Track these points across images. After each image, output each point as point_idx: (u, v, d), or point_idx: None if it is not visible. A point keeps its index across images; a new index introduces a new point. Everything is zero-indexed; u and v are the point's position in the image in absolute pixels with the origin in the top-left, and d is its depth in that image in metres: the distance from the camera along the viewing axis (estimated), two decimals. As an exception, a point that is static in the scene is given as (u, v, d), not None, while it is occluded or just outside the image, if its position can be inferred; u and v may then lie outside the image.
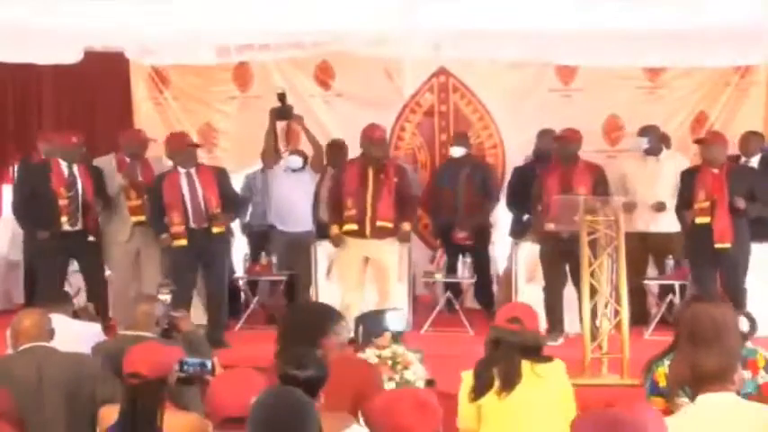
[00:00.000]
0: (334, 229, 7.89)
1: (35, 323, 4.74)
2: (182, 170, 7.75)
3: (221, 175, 7.93)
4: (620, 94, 9.59)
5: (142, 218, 8.06)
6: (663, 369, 3.93)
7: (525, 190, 8.35)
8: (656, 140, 8.41)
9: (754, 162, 8.31)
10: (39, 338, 4.68)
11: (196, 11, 8.07)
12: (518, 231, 8.77)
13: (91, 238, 7.93)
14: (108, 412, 4.06)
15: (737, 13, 7.93)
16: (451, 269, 8.65)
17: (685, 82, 9.57)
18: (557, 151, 7.99)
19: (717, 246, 7.34)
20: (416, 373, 5.88)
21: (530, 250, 8.37)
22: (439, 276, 8.63)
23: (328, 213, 8.04)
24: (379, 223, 7.68)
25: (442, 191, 8.91)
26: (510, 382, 4.18)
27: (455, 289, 8.81)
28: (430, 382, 5.91)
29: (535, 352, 4.31)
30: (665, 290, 8.51)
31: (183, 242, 7.65)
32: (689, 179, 7.54)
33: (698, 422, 3.36)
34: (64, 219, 7.72)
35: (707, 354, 3.52)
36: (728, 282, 7.43)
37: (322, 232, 8.40)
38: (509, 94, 9.72)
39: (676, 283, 8.34)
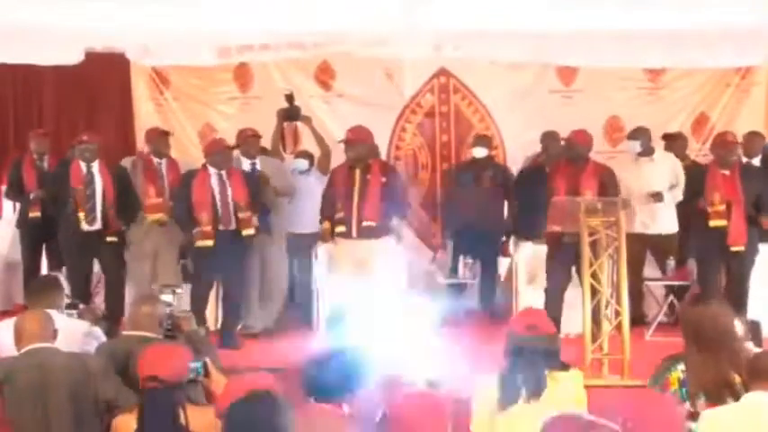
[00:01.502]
0: (325, 224, 7.89)
1: (39, 324, 4.71)
2: (213, 171, 7.67)
3: (251, 179, 7.87)
4: (621, 95, 9.60)
5: (159, 215, 8.04)
6: (676, 374, 3.97)
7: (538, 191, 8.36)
8: (647, 142, 8.41)
9: (756, 162, 8.31)
10: (43, 339, 4.67)
11: (196, 12, 8.03)
12: (520, 232, 8.67)
13: (112, 239, 7.85)
14: (124, 421, 4.06)
15: (738, 14, 7.91)
16: (452, 270, 8.62)
17: (686, 83, 9.57)
18: (565, 152, 7.93)
19: (732, 249, 7.36)
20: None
21: (530, 252, 8.33)
22: (440, 277, 8.60)
23: (322, 211, 8.02)
24: (364, 223, 7.64)
25: (462, 191, 8.79)
26: (538, 389, 4.20)
27: (456, 290, 8.75)
28: (431, 384, 5.90)
29: (555, 358, 4.34)
30: (668, 290, 8.48)
31: (210, 243, 7.54)
32: (698, 177, 7.53)
33: (746, 417, 3.36)
34: (81, 215, 7.68)
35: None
36: (734, 283, 7.43)
37: None
38: (510, 95, 9.71)
39: (675, 284, 8.30)
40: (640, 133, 8.43)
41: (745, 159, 8.28)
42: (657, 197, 8.15)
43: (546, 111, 9.39)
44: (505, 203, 8.83)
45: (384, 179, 7.68)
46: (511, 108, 9.67)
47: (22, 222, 8.92)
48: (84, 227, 7.71)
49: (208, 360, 4.30)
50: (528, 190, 8.37)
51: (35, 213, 8.72)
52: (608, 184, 7.68)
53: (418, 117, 9.79)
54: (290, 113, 8.67)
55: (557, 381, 4.25)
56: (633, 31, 8.39)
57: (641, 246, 8.19)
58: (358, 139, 7.74)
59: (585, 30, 8.49)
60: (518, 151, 9.41)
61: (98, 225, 7.78)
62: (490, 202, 8.68)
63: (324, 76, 9.82)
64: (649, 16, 8.03)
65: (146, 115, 9.94)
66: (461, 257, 8.58)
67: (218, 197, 7.59)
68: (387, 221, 7.75)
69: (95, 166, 7.82)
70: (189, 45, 8.99)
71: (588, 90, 9.58)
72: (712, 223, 7.42)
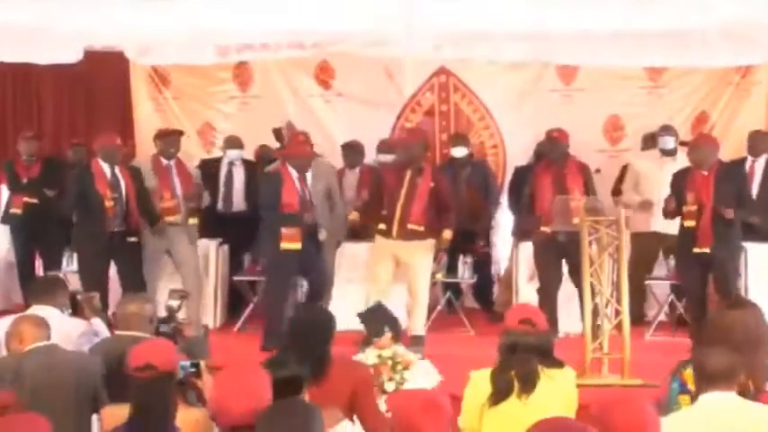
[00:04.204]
0: (353, 215, 7.97)
1: (36, 325, 4.78)
2: (295, 173, 7.58)
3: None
4: (621, 94, 9.57)
5: (175, 218, 7.95)
6: (690, 371, 3.99)
7: (523, 190, 8.32)
8: (677, 140, 8.39)
9: (762, 161, 8.31)
10: (41, 339, 4.73)
11: (196, 11, 7.95)
12: (520, 231, 8.65)
13: (132, 239, 7.81)
14: (110, 413, 4.08)
15: (739, 13, 7.85)
16: (451, 269, 8.60)
17: (686, 81, 9.53)
18: (549, 151, 7.92)
19: (696, 250, 7.28)
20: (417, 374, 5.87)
21: (530, 250, 8.24)
22: (439, 276, 8.54)
23: (362, 206, 8.01)
24: (410, 226, 7.59)
25: None
26: (530, 384, 4.21)
27: (455, 289, 8.77)
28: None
29: (548, 355, 4.34)
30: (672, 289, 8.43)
31: (299, 246, 7.49)
32: (680, 181, 7.47)
33: (700, 420, 3.36)
34: (111, 218, 7.60)
35: (717, 354, 3.54)
36: (719, 285, 7.36)
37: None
38: (510, 94, 9.69)
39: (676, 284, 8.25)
40: (671, 130, 8.39)
41: (750, 159, 8.34)
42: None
43: (546, 110, 9.36)
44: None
45: (433, 184, 7.65)
46: (511, 107, 9.66)
47: (6, 218, 8.90)
48: (114, 228, 7.62)
49: (201, 362, 4.30)
50: (518, 190, 8.42)
51: (16, 210, 8.68)
52: (589, 181, 7.75)
53: (418, 116, 9.75)
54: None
55: (550, 378, 4.26)
56: (634, 30, 8.31)
57: (655, 245, 8.20)
58: (412, 140, 7.80)
59: (586, 29, 8.40)
60: (518, 150, 9.38)
61: (123, 227, 7.70)
62: (471, 201, 8.66)
63: (323, 75, 9.83)
64: (650, 15, 7.94)
65: (145, 114, 9.97)
66: (461, 256, 8.54)
67: (301, 199, 7.52)
68: (431, 226, 7.69)
69: (116, 168, 7.76)
70: (188, 44, 8.87)
71: (589, 89, 9.55)
72: (686, 223, 7.38)
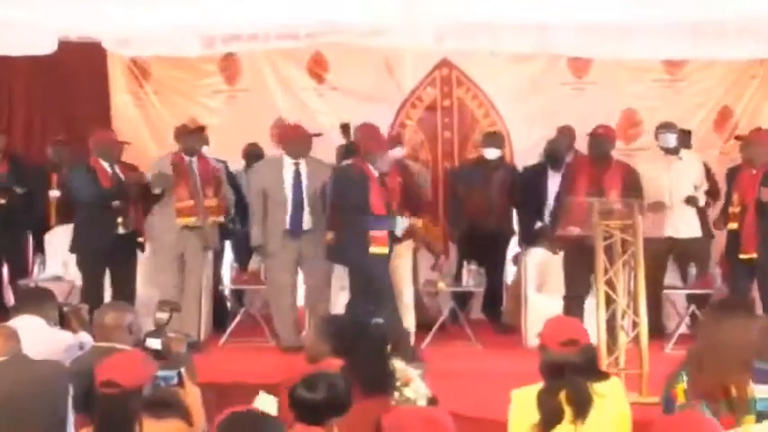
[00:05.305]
0: None
1: (4, 337, 4.72)
2: (375, 171, 7.24)
3: None
4: (637, 88, 9.35)
5: (191, 220, 7.56)
6: (681, 385, 3.93)
7: (536, 192, 8.10)
8: (679, 137, 8.16)
9: None
10: (10, 352, 4.67)
11: (179, -2, 7.79)
12: (529, 237, 8.38)
13: (140, 239, 7.68)
14: None
15: (757, 5, 7.52)
16: (456, 277, 8.29)
17: (707, 74, 9.30)
18: (589, 148, 7.59)
19: (742, 256, 7.25)
20: (417, 391, 5.53)
21: (540, 257, 8.10)
22: (442, 285, 8.18)
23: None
24: None
25: (470, 192, 8.47)
26: (584, 409, 4.01)
27: (461, 299, 8.45)
28: (432, 401, 5.53)
29: (594, 369, 4.21)
30: (689, 299, 8.16)
31: (386, 250, 7.21)
32: (731, 179, 7.44)
33: None
34: (119, 220, 7.42)
35: None
36: (762, 290, 7.24)
37: None
38: (517, 88, 9.47)
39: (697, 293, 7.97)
40: (673, 127, 8.16)
41: None
42: (693, 201, 7.93)
43: (556, 105, 9.15)
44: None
45: (400, 179, 7.52)
46: (518, 101, 9.43)
47: None
48: (120, 230, 7.46)
49: (183, 370, 4.29)
50: (529, 190, 8.22)
51: None
52: (631, 185, 7.38)
53: (419, 112, 9.52)
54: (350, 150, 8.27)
55: (600, 395, 4.08)
56: (650, 20, 7.95)
57: (664, 251, 7.91)
58: (365, 138, 7.60)
59: (599, 19, 8.02)
60: (526, 148, 9.08)
61: (128, 228, 7.51)
62: (499, 205, 8.42)
63: (317, 67, 9.63)
64: (668, 4, 7.63)
65: (123, 109, 9.82)
66: (465, 263, 8.18)
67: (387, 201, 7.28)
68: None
69: (116, 166, 7.62)
70: (171, 35, 8.54)
71: (602, 82, 9.31)
72: (729, 226, 7.36)
